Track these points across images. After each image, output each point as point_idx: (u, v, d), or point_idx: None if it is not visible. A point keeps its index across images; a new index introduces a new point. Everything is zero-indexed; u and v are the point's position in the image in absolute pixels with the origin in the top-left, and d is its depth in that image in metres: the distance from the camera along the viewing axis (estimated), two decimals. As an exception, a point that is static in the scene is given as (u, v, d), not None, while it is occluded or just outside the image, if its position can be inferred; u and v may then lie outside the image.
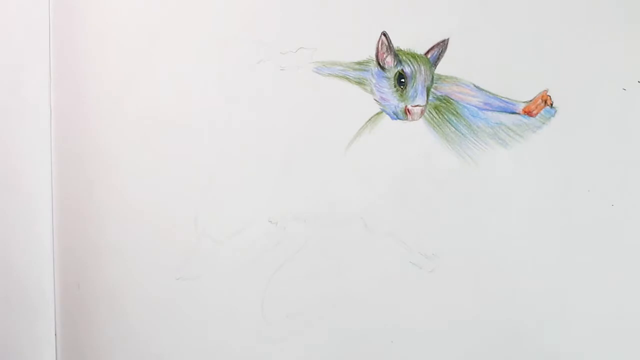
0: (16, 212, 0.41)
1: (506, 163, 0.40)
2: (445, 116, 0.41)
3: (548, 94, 0.41)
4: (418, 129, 0.41)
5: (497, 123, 0.41)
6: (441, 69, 0.41)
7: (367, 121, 0.41)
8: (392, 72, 0.41)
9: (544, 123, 0.40)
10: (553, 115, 0.40)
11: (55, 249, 0.41)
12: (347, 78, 0.41)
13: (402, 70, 0.41)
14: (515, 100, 0.41)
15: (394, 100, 0.41)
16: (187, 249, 0.41)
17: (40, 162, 0.41)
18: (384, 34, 0.41)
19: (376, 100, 0.41)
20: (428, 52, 0.41)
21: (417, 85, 0.41)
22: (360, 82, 0.41)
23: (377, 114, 0.41)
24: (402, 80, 0.41)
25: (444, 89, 0.41)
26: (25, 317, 0.41)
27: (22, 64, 0.41)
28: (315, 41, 0.41)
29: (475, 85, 0.41)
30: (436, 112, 0.41)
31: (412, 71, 0.41)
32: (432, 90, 0.41)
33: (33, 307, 0.41)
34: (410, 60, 0.41)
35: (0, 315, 0.41)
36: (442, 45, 0.41)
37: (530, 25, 0.41)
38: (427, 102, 0.41)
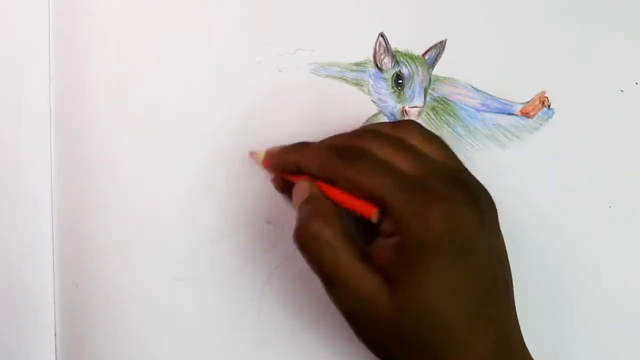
0: (16, 212, 0.41)
1: (503, 164, 0.40)
2: (443, 117, 0.41)
3: (546, 95, 0.41)
4: (416, 130, 0.41)
5: (494, 124, 0.41)
6: (439, 70, 0.41)
7: (365, 122, 0.41)
8: (389, 74, 0.41)
9: (541, 124, 0.40)
10: (551, 117, 0.41)
11: (55, 249, 0.41)
12: (344, 79, 0.41)
13: (400, 71, 0.41)
14: (513, 102, 0.41)
15: (391, 102, 0.41)
16: (185, 250, 0.41)
17: (40, 162, 0.41)
18: (382, 35, 0.41)
19: (374, 102, 0.41)
20: (425, 53, 0.41)
21: (415, 86, 0.41)
22: (357, 83, 0.41)
23: (375, 115, 0.41)
24: (400, 81, 0.41)
25: (442, 90, 0.41)
26: (25, 317, 0.41)
27: (22, 64, 0.41)
28: (313, 42, 0.41)
29: (472, 87, 0.41)
30: (433, 114, 0.41)
31: (410, 72, 0.41)
32: (429, 91, 0.41)
33: (33, 307, 0.41)
34: (407, 62, 0.41)
35: (0, 315, 0.41)
36: (440, 47, 0.41)
37: (528, 27, 0.41)
38: (424, 103, 0.41)
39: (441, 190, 0.31)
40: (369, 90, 0.41)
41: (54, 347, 0.41)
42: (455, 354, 0.31)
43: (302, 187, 0.35)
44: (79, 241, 0.41)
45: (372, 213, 0.32)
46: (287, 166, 0.36)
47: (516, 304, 0.33)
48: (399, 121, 0.38)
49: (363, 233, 0.33)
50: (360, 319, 0.33)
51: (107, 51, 0.41)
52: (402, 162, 0.33)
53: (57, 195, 0.41)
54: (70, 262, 0.41)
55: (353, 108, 0.41)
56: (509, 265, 0.34)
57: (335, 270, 0.32)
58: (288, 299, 0.41)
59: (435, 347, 0.31)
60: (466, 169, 0.36)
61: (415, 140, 0.34)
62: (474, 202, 0.32)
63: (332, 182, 0.33)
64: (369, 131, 0.36)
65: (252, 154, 0.39)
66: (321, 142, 0.36)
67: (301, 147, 0.36)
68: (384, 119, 0.41)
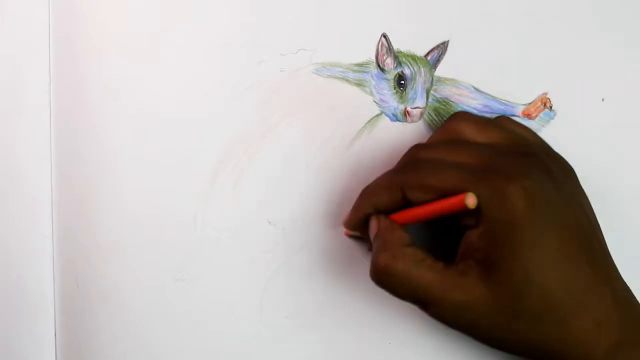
0: (16, 212, 0.41)
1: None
2: (445, 118, 0.41)
3: (547, 96, 0.41)
4: (417, 130, 0.41)
5: (496, 125, 0.41)
6: (441, 71, 0.41)
7: (367, 123, 0.41)
8: (392, 74, 0.41)
9: (543, 126, 0.40)
10: (552, 118, 0.41)
11: (55, 249, 0.41)
12: (346, 79, 0.41)
13: (402, 72, 0.41)
14: (515, 103, 0.41)
15: (393, 102, 0.41)
16: (186, 249, 0.41)
17: (40, 162, 0.41)
18: (384, 35, 0.41)
19: (376, 102, 0.41)
20: (428, 54, 0.41)
21: (417, 87, 0.41)
22: (360, 84, 0.41)
23: (377, 115, 0.41)
24: (402, 82, 0.41)
25: (444, 91, 0.41)
26: (25, 317, 0.41)
27: (22, 64, 0.41)
28: (315, 43, 0.41)
29: (474, 88, 0.41)
30: (435, 114, 0.41)
31: (412, 73, 0.41)
32: (431, 92, 0.41)
33: (33, 307, 0.41)
34: (410, 62, 0.41)
35: (0, 315, 0.41)
36: (442, 47, 0.41)
37: (530, 28, 0.41)
38: (426, 104, 0.41)
39: (509, 168, 0.32)
40: (371, 91, 0.41)
41: (54, 347, 0.41)
42: (576, 320, 0.31)
43: (372, 225, 0.35)
44: (79, 241, 0.41)
45: (464, 199, 0.31)
46: (363, 218, 0.36)
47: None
48: (448, 119, 0.38)
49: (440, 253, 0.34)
50: (470, 325, 0.32)
51: (107, 51, 0.41)
52: (460, 157, 0.33)
53: (57, 195, 0.41)
54: (71, 261, 0.41)
55: (355, 109, 0.41)
56: (598, 225, 0.34)
57: (421, 293, 0.32)
58: (290, 299, 0.41)
59: (554, 315, 0.31)
60: (531, 139, 0.36)
61: (468, 133, 0.35)
62: (545, 170, 0.33)
63: (403, 202, 0.34)
64: (419, 145, 0.36)
65: (346, 233, 0.39)
66: (376, 179, 0.36)
67: (363, 193, 0.36)
68: (386, 120, 0.41)
